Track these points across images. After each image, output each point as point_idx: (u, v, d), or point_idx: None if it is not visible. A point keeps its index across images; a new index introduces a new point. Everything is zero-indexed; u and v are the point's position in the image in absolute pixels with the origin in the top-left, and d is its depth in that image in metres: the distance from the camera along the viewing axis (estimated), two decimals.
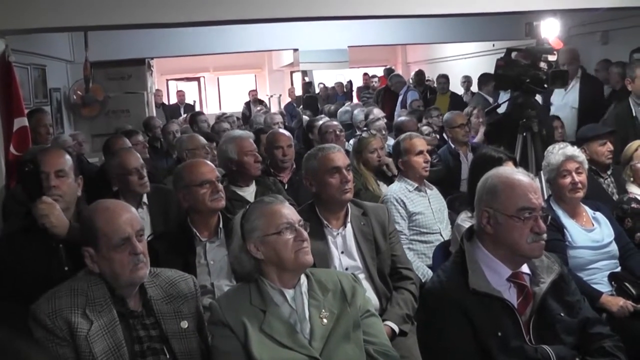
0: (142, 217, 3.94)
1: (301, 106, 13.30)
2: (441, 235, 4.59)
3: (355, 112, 8.94)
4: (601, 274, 3.94)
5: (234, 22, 6.34)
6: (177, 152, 6.57)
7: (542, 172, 4.31)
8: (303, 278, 2.75)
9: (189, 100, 16.95)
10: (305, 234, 2.72)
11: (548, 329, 2.65)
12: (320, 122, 7.21)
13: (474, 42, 12.98)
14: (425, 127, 7.50)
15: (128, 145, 5.77)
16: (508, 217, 2.62)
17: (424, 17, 7.90)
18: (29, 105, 7.47)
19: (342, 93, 15.13)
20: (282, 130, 6.05)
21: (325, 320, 2.66)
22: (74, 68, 10.09)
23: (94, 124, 10.36)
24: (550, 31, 5.00)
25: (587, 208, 4.11)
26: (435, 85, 13.13)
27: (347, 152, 4.96)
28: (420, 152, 4.85)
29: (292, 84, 17.97)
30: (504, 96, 7.99)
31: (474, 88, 12.18)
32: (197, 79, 20.79)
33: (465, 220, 3.98)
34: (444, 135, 7.03)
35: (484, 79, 10.18)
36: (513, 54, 5.09)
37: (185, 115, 12.81)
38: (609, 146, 5.00)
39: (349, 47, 12.41)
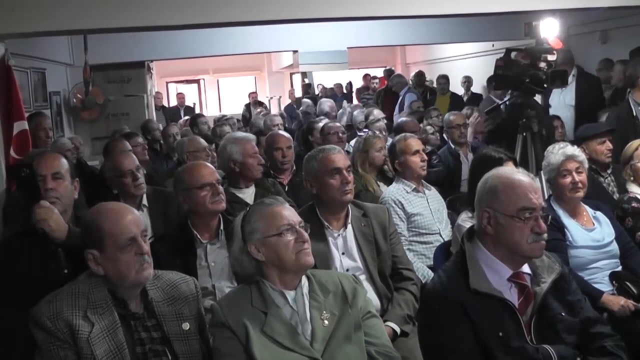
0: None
1: (301, 107, 13.29)
2: (440, 236, 4.59)
3: (355, 113, 8.95)
4: (602, 274, 3.94)
5: (233, 24, 6.33)
6: (177, 154, 6.58)
7: (542, 172, 4.30)
8: (304, 279, 2.75)
9: (188, 102, 16.97)
10: (306, 235, 2.73)
11: (549, 328, 2.65)
12: (321, 124, 7.21)
13: (473, 42, 12.97)
14: (429, 127, 7.50)
15: (128, 148, 5.77)
16: (508, 217, 2.63)
17: (423, 17, 7.87)
18: (29, 108, 7.47)
19: (341, 94, 15.13)
20: (281, 132, 6.05)
21: (326, 322, 2.67)
22: (74, 71, 10.10)
23: (94, 127, 10.37)
24: (550, 31, 5.00)
25: (587, 207, 4.11)
26: (434, 85, 13.14)
27: (347, 153, 4.97)
28: (417, 152, 4.86)
29: (291, 85, 18.00)
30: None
31: (474, 88, 12.19)
32: (197, 81, 20.81)
33: (466, 220, 3.98)
34: (444, 135, 7.04)
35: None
36: (512, 54, 5.09)
37: (186, 117, 12.82)
38: (608, 145, 5.00)
39: (348, 48, 12.40)
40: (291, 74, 18.36)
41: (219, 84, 21.17)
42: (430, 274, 4.27)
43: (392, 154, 4.95)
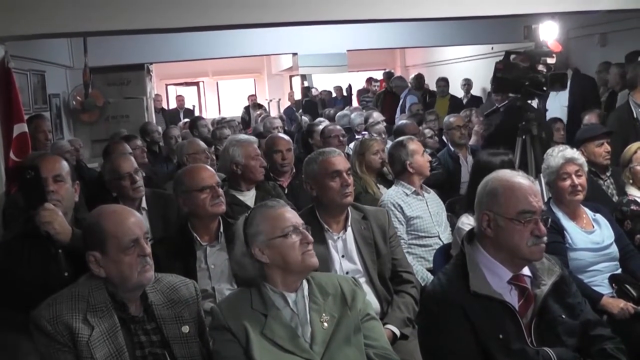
0: None
1: (300, 110, 13.31)
2: (440, 239, 4.59)
3: (353, 115, 8.94)
4: (602, 276, 3.94)
5: (232, 27, 6.35)
6: (177, 157, 6.58)
7: (541, 174, 4.31)
8: (304, 282, 2.75)
9: (188, 105, 16.97)
10: (310, 236, 2.74)
11: (549, 331, 2.65)
12: (321, 127, 7.21)
13: (473, 45, 12.98)
14: (427, 130, 7.51)
15: (128, 151, 5.78)
16: (508, 220, 2.63)
17: (422, 20, 7.91)
18: (29, 111, 7.48)
19: (341, 97, 15.14)
20: (281, 135, 6.06)
21: (325, 324, 2.67)
22: (74, 74, 10.10)
23: (93, 130, 10.37)
24: (549, 34, 5.00)
25: (587, 210, 4.11)
26: (429, 89, 13.15)
27: (347, 155, 4.97)
28: (423, 152, 4.93)
29: (291, 88, 17.99)
30: None
31: (474, 91, 12.20)
32: (197, 84, 20.80)
33: (466, 223, 3.98)
34: (444, 138, 7.04)
35: None
36: (512, 57, 5.10)
37: (185, 120, 12.82)
38: (606, 147, 5.00)
39: (347, 51, 12.40)
40: (291, 77, 18.34)
41: (219, 86, 21.17)
42: (430, 276, 4.26)
43: (394, 157, 4.92)
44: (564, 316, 2.70)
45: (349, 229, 3.69)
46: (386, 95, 12.83)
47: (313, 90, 14.41)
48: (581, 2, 5.78)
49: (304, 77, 14.34)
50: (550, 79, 4.72)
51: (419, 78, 13.10)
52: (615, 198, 4.79)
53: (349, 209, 3.74)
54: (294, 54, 12.74)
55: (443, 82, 11.87)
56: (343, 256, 3.64)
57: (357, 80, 17.18)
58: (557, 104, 7.22)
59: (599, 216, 4.10)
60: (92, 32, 6.34)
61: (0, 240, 4.05)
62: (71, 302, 2.56)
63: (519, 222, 2.62)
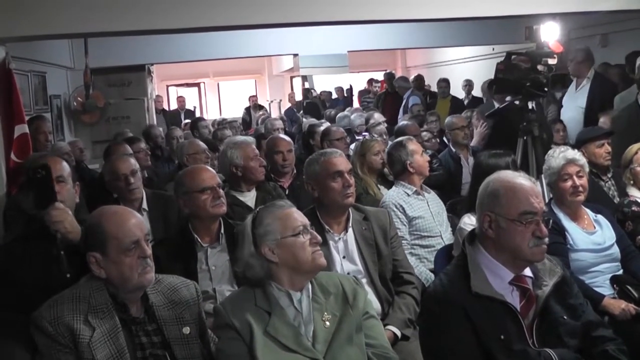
0: None
1: (301, 111, 13.31)
2: (441, 239, 4.59)
3: (353, 116, 8.94)
4: (603, 277, 3.94)
5: (233, 28, 6.35)
6: (177, 157, 6.59)
7: (542, 175, 4.30)
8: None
9: (189, 106, 16.97)
10: (319, 237, 2.76)
11: (551, 332, 2.65)
12: (322, 128, 7.20)
13: (474, 46, 12.99)
14: (425, 133, 7.50)
15: (129, 152, 5.77)
16: (510, 221, 2.63)
17: (423, 21, 7.91)
18: (30, 112, 7.49)
19: (342, 98, 15.14)
20: (282, 135, 6.06)
21: (327, 323, 2.67)
22: (74, 75, 10.11)
23: (94, 131, 10.38)
24: (550, 34, 5.00)
25: (588, 211, 4.11)
26: (431, 89, 13.14)
27: (347, 156, 4.96)
28: (422, 152, 4.93)
29: (292, 89, 17.97)
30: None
31: (475, 92, 12.19)
32: (197, 85, 20.81)
33: (468, 223, 3.98)
34: (445, 139, 7.04)
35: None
36: (513, 58, 5.09)
37: (186, 121, 12.83)
38: (607, 147, 4.99)
39: (348, 51, 12.42)
40: (291, 78, 18.33)
41: (220, 87, 21.18)
42: (433, 277, 4.26)
43: (394, 157, 4.92)
44: (565, 317, 2.69)
45: (350, 230, 3.69)
46: (387, 96, 12.83)
47: (313, 91, 14.42)
48: (582, 3, 5.78)
49: (304, 78, 14.35)
50: (551, 80, 4.72)
51: (419, 79, 13.11)
52: (617, 199, 4.78)
53: (350, 209, 3.74)
54: (295, 55, 12.77)
55: (444, 83, 11.87)
56: (344, 257, 3.64)
57: (357, 81, 17.17)
58: (574, 104, 7.18)
59: (600, 217, 4.10)
60: (92, 33, 6.35)
61: (1, 241, 4.06)
62: (72, 304, 2.56)
63: (520, 223, 2.62)
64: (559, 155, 4.10)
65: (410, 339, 3.47)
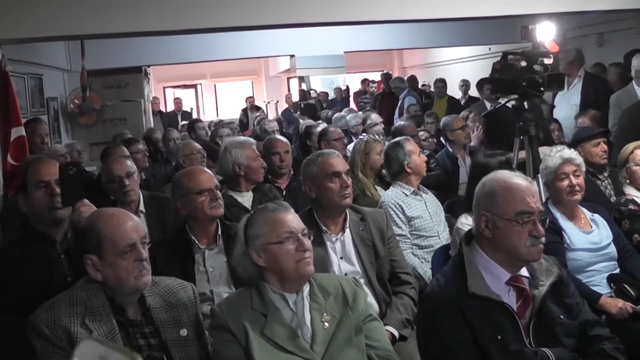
0: None
1: (298, 112, 13.31)
2: (439, 239, 4.59)
3: (348, 117, 8.93)
4: (600, 276, 3.94)
5: (230, 29, 6.34)
6: (174, 159, 6.59)
7: (539, 175, 4.31)
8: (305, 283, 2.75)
9: (186, 107, 16.95)
10: (307, 244, 2.72)
11: (548, 331, 2.65)
12: (319, 129, 7.20)
13: (470, 46, 13.01)
14: (422, 133, 7.51)
15: (126, 154, 5.77)
16: (506, 221, 2.63)
17: (419, 21, 7.92)
18: (26, 114, 7.47)
19: (340, 99, 15.15)
20: (278, 136, 6.06)
21: (326, 324, 2.67)
22: (71, 77, 10.10)
23: (91, 133, 10.37)
24: (546, 34, 5.00)
25: (585, 210, 4.12)
26: (430, 89, 13.15)
27: (345, 157, 4.97)
28: (420, 152, 4.94)
29: (289, 90, 17.99)
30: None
31: (472, 92, 12.21)
32: (194, 86, 20.82)
33: (465, 223, 3.99)
34: (442, 139, 7.04)
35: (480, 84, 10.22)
36: (509, 58, 5.09)
37: (183, 122, 12.83)
38: (603, 146, 5.00)
39: (345, 52, 12.44)
40: (288, 79, 18.36)
41: (216, 88, 21.18)
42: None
43: (391, 158, 4.92)
44: (562, 317, 2.70)
45: (347, 231, 3.69)
46: (384, 97, 12.83)
47: (312, 92, 14.42)
48: (578, 3, 5.78)
49: (301, 79, 14.37)
50: (547, 79, 4.72)
51: (413, 80, 13.12)
52: (613, 198, 4.79)
53: (347, 210, 3.74)
54: (292, 56, 12.78)
55: (441, 83, 11.88)
56: (341, 258, 3.64)
57: (354, 82, 17.17)
58: (567, 103, 7.21)
59: (597, 216, 4.11)
60: (89, 35, 6.33)
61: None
62: (69, 306, 2.55)
63: (517, 222, 2.62)
64: (555, 154, 4.11)
65: (408, 340, 3.47)
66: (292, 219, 2.75)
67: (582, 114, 6.64)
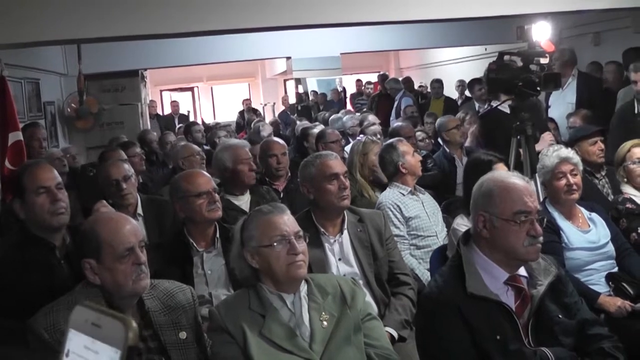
0: None
1: (295, 114, 13.31)
2: (437, 239, 4.59)
3: (345, 118, 8.94)
4: (598, 275, 3.95)
5: (226, 32, 6.34)
6: (172, 161, 6.58)
7: (536, 174, 4.32)
8: (302, 283, 2.76)
9: (183, 110, 16.95)
10: (299, 247, 2.72)
11: (546, 331, 2.66)
12: (316, 130, 7.20)
13: (466, 46, 13.03)
14: (419, 133, 7.52)
15: (123, 157, 5.77)
16: (504, 220, 2.63)
17: (415, 22, 7.90)
18: (24, 119, 7.47)
19: (337, 100, 15.17)
20: (275, 139, 6.05)
21: (325, 323, 2.67)
22: (68, 81, 10.09)
23: (88, 137, 10.37)
24: (542, 34, 5.01)
25: (582, 209, 4.12)
26: (427, 90, 13.16)
27: (342, 159, 4.97)
28: (414, 152, 4.94)
29: (285, 92, 17.98)
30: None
31: (469, 92, 12.23)
32: (191, 89, 20.79)
33: (461, 224, 3.99)
34: (439, 140, 7.05)
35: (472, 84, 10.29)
36: (505, 58, 5.10)
37: (180, 125, 12.83)
38: (600, 145, 5.00)
39: (341, 54, 12.44)
40: (285, 81, 18.34)
41: (213, 91, 21.17)
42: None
43: (385, 159, 4.91)
44: (560, 316, 2.70)
45: (345, 232, 3.70)
46: (381, 98, 12.84)
47: (311, 94, 14.43)
48: (574, 2, 5.78)
49: (298, 81, 14.37)
50: (543, 79, 4.73)
51: (409, 81, 13.14)
52: (611, 197, 4.79)
53: (345, 212, 3.75)
54: (288, 58, 12.78)
55: (437, 84, 11.90)
56: (340, 259, 3.64)
57: (351, 83, 17.17)
58: (562, 102, 7.23)
59: (594, 215, 4.11)
60: (86, 39, 6.32)
61: None
62: (68, 310, 2.51)
63: (514, 222, 2.62)
64: (552, 153, 4.12)
65: (407, 340, 3.47)
66: (287, 222, 2.76)
67: (574, 113, 6.67)
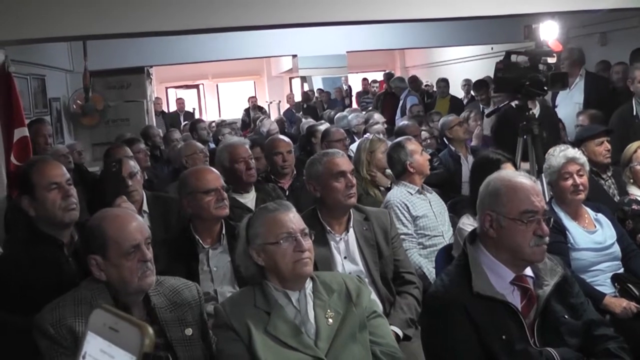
0: None
1: (301, 112, 13.31)
2: (444, 238, 4.59)
3: (350, 117, 8.94)
4: (604, 276, 3.94)
5: (232, 29, 6.34)
6: (176, 161, 6.59)
7: (543, 174, 4.31)
8: (308, 281, 2.76)
9: (188, 107, 16.97)
10: (306, 244, 2.72)
11: (552, 331, 2.65)
12: (322, 127, 7.20)
13: (473, 45, 13.00)
14: (423, 133, 7.51)
15: (129, 154, 5.77)
16: (511, 220, 2.62)
17: (421, 21, 7.91)
18: (29, 115, 7.49)
19: (341, 99, 15.18)
20: (281, 136, 6.05)
21: (330, 321, 2.67)
22: (74, 77, 10.11)
23: (94, 133, 10.38)
24: (549, 33, 5.00)
25: (588, 210, 4.11)
26: (433, 90, 13.14)
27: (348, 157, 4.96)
28: (422, 151, 4.93)
29: (291, 90, 17.98)
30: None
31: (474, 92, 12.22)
32: (197, 87, 20.82)
33: (467, 223, 3.98)
34: (444, 139, 7.04)
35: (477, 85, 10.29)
36: (512, 57, 5.09)
37: (185, 122, 12.84)
38: (607, 145, 4.98)
39: (347, 52, 12.44)
40: (290, 79, 18.35)
41: (219, 89, 21.19)
42: None
43: (393, 158, 4.91)
44: (566, 316, 2.69)
45: (351, 230, 3.69)
46: (386, 97, 12.82)
47: (316, 92, 14.42)
48: (582, 2, 5.77)
49: (304, 79, 14.37)
50: (550, 79, 4.71)
51: (414, 80, 13.13)
52: (617, 198, 4.78)
53: (351, 210, 3.74)
54: (294, 56, 12.78)
55: (443, 83, 11.88)
56: (345, 257, 3.64)
57: (356, 82, 17.17)
58: (570, 101, 7.22)
59: (600, 216, 4.10)
60: (91, 36, 6.34)
61: (3, 244, 4.05)
62: (74, 306, 2.56)
63: (521, 222, 2.61)
64: (559, 154, 4.11)
65: (412, 339, 3.47)
66: (292, 219, 2.76)
67: (581, 113, 6.65)
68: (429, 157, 5.00)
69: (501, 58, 5.10)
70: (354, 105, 14.39)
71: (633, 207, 4.37)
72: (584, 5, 5.78)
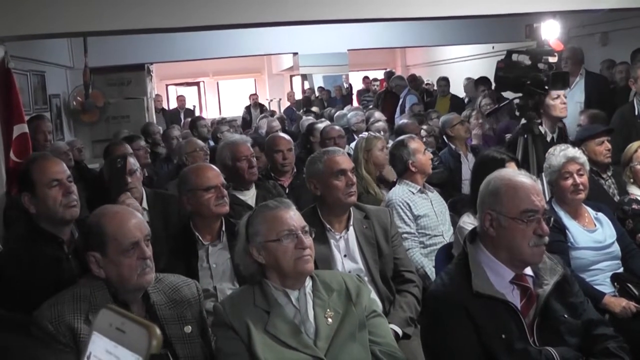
0: None
1: (301, 110, 13.30)
2: (444, 237, 4.59)
3: (349, 115, 8.93)
4: (603, 275, 3.94)
5: (233, 27, 6.33)
6: (177, 157, 6.58)
7: (543, 174, 4.30)
8: (307, 279, 2.75)
9: (188, 105, 16.97)
10: (307, 241, 2.72)
11: (552, 330, 2.65)
12: (322, 125, 7.20)
13: (474, 44, 12.99)
14: (422, 131, 7.50)
15: (129, 151, 5.76)
16: (511, 219, 2.62)
17: (423, 19, 7.90)
18: (29, 111, 7.48)
19: (340, 97, 15.17)
20: (281, 134, 6.05)
21: (330, 320, 2.67)
22: (74, 74, 10.10)
23: (94, 130, 10.37)
24: (550, 33, 5.00)
25: (589, 209, 4.11)
26: (434, 88, 13.14)
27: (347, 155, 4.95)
28: (425, 150, 4.92)
29: (291, 87, 17.98)
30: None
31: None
32: (197, 84, 20.83)
33: (467, 222, 3.98)
34: (445, 137, 7.04)
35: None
36: (513, 56, 5.08)
37: (186, 120, 12.83)
38: (607, 145, 4.98)
39: (348, 50, 12.43)
40: (291, 77, 18.35)
41: (219, 86, 21.19)
42: None
43: (396, 157, 4.90)
44: (566, 316, 2.69)
45: (351, 229, 3.69)
46: (387, 95, 12.81)
47: (317, 90, 14.41)
48: (583, 1, 5.76)
49: (304, 77, 14.36)
50: (552, 78, 4.70)
51: (414, 79, 13.12)
52: (617, 197, 4.78)
53: (351, 208, 3.74)
54: (295, 54, 12.78)
55: (444, 82, 11.87)
56: (345, 256, 3.64)
57: (357, 80, 17.17)
58: (571, 101, 7.21)
59: (600, 215, 4.10)
60: (92, 32, 6.33)
61: (2, 241, 4.04)
62: (73, 303, 2.55)
63: (521, 221, 2.61)
64: (559, 153, 4.10)
65: (411, 338, 3.47)
66: (293, 217, 2.76)
67: (583, 112, 6.64)
68: (431, 156, 4.99)
69: (502, 57, 5.09)
70: (355, 103, 14.39)
71: (633, 206, 4.37)
72: (585, 4, 5.77)
